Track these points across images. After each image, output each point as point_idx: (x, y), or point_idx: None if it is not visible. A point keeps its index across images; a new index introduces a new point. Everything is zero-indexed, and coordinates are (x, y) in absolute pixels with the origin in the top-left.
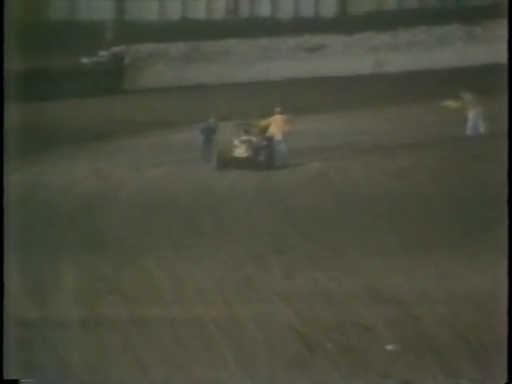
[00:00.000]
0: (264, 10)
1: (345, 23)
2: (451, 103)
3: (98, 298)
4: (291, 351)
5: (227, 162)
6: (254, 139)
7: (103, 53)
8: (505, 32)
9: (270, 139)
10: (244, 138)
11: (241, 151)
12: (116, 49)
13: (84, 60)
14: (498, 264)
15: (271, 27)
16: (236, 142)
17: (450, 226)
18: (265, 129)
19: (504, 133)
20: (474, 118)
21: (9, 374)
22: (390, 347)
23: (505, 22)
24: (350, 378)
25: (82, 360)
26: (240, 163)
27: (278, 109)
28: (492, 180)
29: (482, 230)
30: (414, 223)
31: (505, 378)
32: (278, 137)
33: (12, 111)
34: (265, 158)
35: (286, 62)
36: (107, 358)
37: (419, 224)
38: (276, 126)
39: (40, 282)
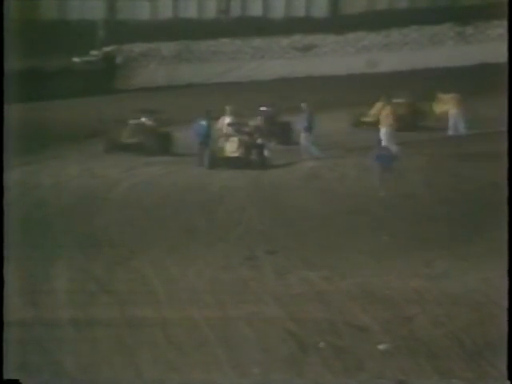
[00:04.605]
0: (256, 9)
1: (336, 23)
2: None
3: (91, 298)
4: (284, 351)
5: (219, 162)
6: (245, 138)
7: (94, 52)
8: (496, 32)
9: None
10: (236, 137)
11: (233, 150)
12: (107, 48)
13: (75, 59)
14: (490, 264)
15: (263, 27)
16: (228, 142)
17: (442, 225)
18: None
19: (485, 133)
20: (455, 118)
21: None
22: (381, 346)
23: (496, 23)
24: (343, 378)
25: (75, 361)
26: (232, 162)
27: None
28: (482, 180)
29: (475, 230)
30: (406, 223)
31: (505, 379)
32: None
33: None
34: (257, 157)
35: (277, 61)
36: (100, 359)
37: (412, 223)
38: None
39: (32, 282)
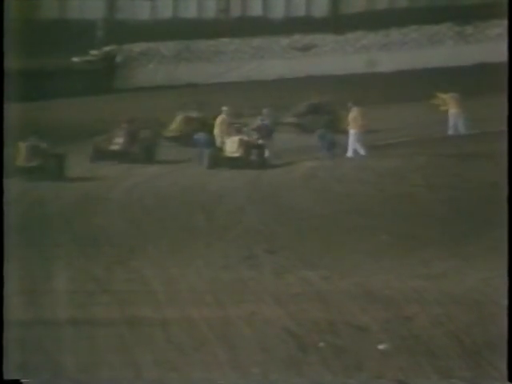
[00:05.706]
0: (255, 9)
1: (336, 22)
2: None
3: (91, 298)
4: (284, 351)
5: (219, 162)
6: (245, 138)
7: (94, 52)
8: (495, 31)
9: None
10: (236, 137)
11: (233, 150)
12: (107, 48)
13: (75, 59)
14: (490, 263)
15: (263, 26)
16: (228, 142)
17: (442, 225)
18: None
19: (486, 132)
20: (455, 118)
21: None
22: (381, 346)
23: (495, 22)
24: (343, 377)
25: (75, 360)
26: (232, 162)
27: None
28: (482, 180)
29: (474, 230)
30: (405, 222)
31: (505, 380)
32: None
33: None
34: (257, 157)
35: (277, 61)
36: (100, 359)
37: (411, 223)
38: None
39: (32, 282)
